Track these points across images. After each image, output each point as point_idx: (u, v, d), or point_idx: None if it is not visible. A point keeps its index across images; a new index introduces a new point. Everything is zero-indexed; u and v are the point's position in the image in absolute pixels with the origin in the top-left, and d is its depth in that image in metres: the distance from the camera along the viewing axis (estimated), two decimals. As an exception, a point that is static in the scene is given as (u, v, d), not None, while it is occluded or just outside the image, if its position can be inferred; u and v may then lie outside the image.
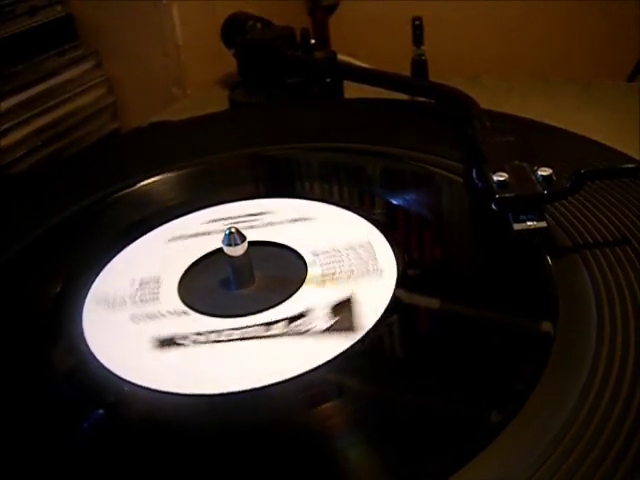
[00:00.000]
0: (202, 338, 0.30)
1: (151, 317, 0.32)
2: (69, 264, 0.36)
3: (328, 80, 0.57)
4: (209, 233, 0.37)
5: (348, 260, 0.34)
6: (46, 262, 0.37)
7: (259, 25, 0.62)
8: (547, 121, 0.44)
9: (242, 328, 0.30)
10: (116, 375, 0.28)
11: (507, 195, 0.33)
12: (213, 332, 0.30)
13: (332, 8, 0.79)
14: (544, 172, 0.33)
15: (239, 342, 0.29)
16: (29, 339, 0.32)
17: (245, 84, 0.62)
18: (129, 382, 0.28)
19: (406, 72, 0.56)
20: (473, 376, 0.26)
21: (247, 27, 0.62)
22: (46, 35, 0.61)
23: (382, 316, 0.30)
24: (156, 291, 0.33)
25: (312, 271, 0.33)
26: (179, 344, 0.30)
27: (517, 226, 0.32)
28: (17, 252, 0.38)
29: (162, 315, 0.32)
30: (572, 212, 0.34)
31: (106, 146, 0.60)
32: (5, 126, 0.56)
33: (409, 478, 0.23)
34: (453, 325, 0.30)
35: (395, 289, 0.31)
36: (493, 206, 0.33)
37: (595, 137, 0.41)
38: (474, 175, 0.37)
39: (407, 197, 0.39)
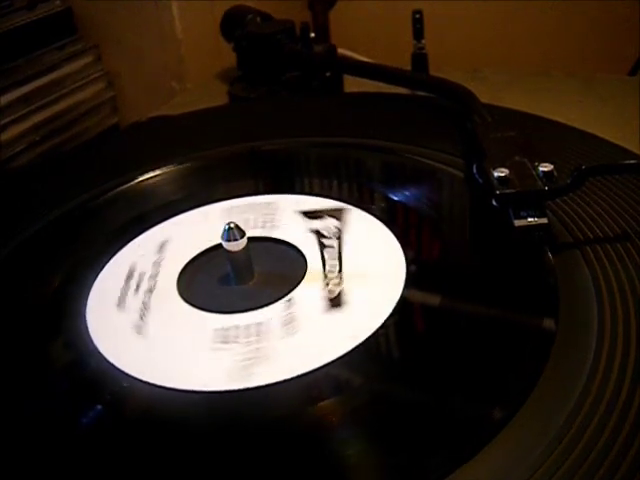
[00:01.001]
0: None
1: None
2: (69, 259, 0.36)
3: (328, 74, 0.57)
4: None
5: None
6: (46, 257, 0.37)
7: (258, 19, 0.62)
8: (548, 116, 0.44)
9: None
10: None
11: (508, 191, 0.32)
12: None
13: (332, 2, 0.78)
14: (545, 168, 0.33)
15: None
16: (29, 336, 0.32)
17: (245, 78, 0.62)
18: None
19: (406, 66, 0.56)
20: (473, 374, 0.26)
21: (247, 21, 0.62)
22: (45, 29, 0.60)
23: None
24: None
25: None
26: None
27: (518, 222, 0.32)
28: (16, 247, 0.38)
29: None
30: (573, 208, 0.34)
31: (105, 140, 0.60)
32: (4, 121, 0.56)
33: (409, 476, 0.23)
34: (453, 322, 0.29)
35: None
36: (493, 202, 0.33)
37: (596, 132, 0.41)
38: (474, 171, 0.36)
39: (408, 193, 0.39)
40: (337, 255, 0.34)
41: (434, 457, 0.23)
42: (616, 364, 0.25)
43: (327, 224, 0.36)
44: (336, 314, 0.30)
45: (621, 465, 0.21)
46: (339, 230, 0.36)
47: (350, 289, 0.32)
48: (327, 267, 0.33)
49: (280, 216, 0.38)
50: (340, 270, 0.33)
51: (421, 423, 0.25)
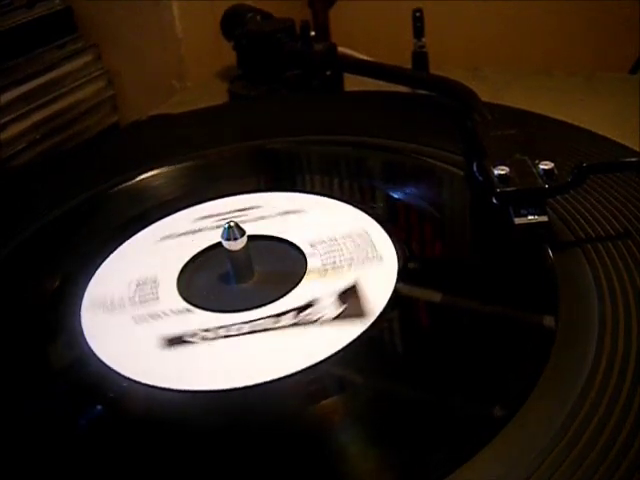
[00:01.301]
0: (211, 334, 0.30)
1: (154, 317, 0.31)
2: (66, 260, 0.36)
3: (328, 72, 0.57)
4: (200, 230, 0.37)
5: (347, 248, 0.34)
6: (43, 257, 0.37)
7: (259, 17, 0.62)
8: (549, 114, 0.44)
9: (251, 321, 0.30)
10: (128, 378, 0.28)
11: (508, 189, 0.32)
12: (221, 327, 0.30)
13: (332, 0, 0.78)
14: (545, 166, 0.33)
15: (249, 335, 0.29)
16: (26, 338, 0.31)
17: (245, 77, 0.62)
18: (143, 384, 0.27)
19: (407, 64, 0.56)
20: (473, 372, 0.26)
21: (247, 19, 0.62)
22: (45, 28, 0.60)
23: (390, 299, 0.30)
24: (155, 290, 0.33)
25: (312, 262, 0.33)
26: (188, 342, 0.29)
27: (518, 220, 0.32)
28: (15, 247, 0.38)
29: (165, 314, 0.31)
30: (574, 206, 0.34)
31: (106, 139, 0.60)
32: (4, 119, 0.56)
33: (409, 475, 0.23)
34: (453, 321, 0.29)
35: (397, 276, 0.31)
36: (494, 200, 0.33)
37: (597, 130, 0.40)
38: (475, 169, 0.36)
39: (405, 189, 0.39)
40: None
41: (434, 457, 0.23)
42: (617, 363, 0.25)
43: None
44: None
45: (621, 465, 0.21)
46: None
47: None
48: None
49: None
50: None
51: (421, 423, 0.25)
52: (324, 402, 0.26)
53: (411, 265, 0.32)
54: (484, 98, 0.44)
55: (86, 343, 0.30)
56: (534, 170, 0.33)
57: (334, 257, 0.33)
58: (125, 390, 0.28)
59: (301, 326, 0.29)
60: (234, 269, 0.33)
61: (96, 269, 0.35)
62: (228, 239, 0.32)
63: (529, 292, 0.30)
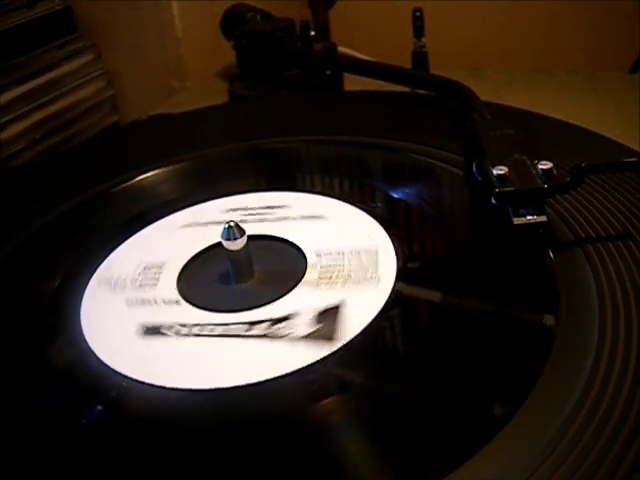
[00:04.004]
0: (185, 330, 0.30)
1: (145, 303, 0.32)
2: (69, 258, 0.36)
3: (328, 72, 0.57)
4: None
5: (349, 264, 0.33)
6: (46, 255, 0.37)
7: (259, 17, 0.62)
8: (548, 113, 0.44)
9: (225, 324, 0.30)
10: (101, 361, 0.29)
11: (507, 189, 0.32)
12: (197, 325, 0.30)
13: (332, 0, 0.78)
14: (544, 166, 0.33)
15: (218, 338, 0.29)
16: (28, 331, 0.32)
17: (245, 77, 0.62)
18: (111, 369, 0.28)
19: (407, 64, 0.56)
20: (473, 372, 0.26)
21: (247, 19, 0.62)
22: (45, 28, 0.60)
23: (365, 328, 0.28)
24: (157, 277, 0.33)
25: (310, 273, 0.33)
26: (162, 334, 0.30)
27: (517, 220, 0.32)
28: (17, 245, 0.38)
29: (156, 302, 0.32)
30: (574, 205, 0.34)
31: (105, 139, 0.60)
32: (4, 119, 0.56)
33: (409, 475, 0.23)
34: (454, 320, 0.29)
35: (384, 304, 0.30)
36: (493, 200, 0.33)
37: (597, 129, 0.40)
38: (474, 169, 0.36)
39: (407, 190, 0.39)
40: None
41: (433, 457, 0.23)
42: (617, 363, 0.25)
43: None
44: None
45: (621, 465, 0.21)
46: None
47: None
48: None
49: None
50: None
51: (421, 422, 0.24)
52: (321, 403, 0.26)
53: (411, 265, 0.32)
54: (484, 97, 0.44)
55: (79, 322, 0.31)
56: (533, 170, 0.33)
57: (333, 271, 0.32)
58: (96, 373, 0.28)
59: (269, 339, 0.29)
60: (233, 269, 0.33)
61: (96, 269, 0.35)
62: (228, 239, 0.32)
63: (529, 292, 0.30)
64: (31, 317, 0.32)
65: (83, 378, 0.28)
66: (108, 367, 0.28)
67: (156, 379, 0.27)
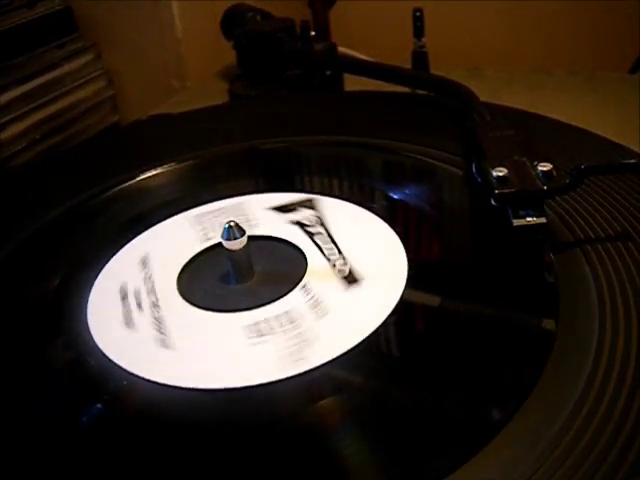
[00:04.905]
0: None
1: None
2: (69, 258, 0.36)
3: (328, 72, 0.57)
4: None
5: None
6: (46, 256, 0.37)
7: (259, 17, 0.62)
8: (548, 114, 0.44)
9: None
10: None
11: (506, 190, 0.32)
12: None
13: (332, 0, 0.78)
14: (544, 167, 0.33)
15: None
16: (29, 335, 0.32)
17: (245, 76, 0.62)
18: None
19: (406, 64, 0.56)
20: (473, 374, 0.26)
21: (247, 19, 0.62)
22: (45, 28, 0.60)
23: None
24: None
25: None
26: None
27: (516, 222, 0.32)
28: (17, 245, 0.38)
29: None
30: (574, 206, 0.34)
31: (106, 139, 0.60)
32: (4, 119, 0.56)
33: (408, 476, 0.23)
34: (453, 321, 0.29)
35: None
36: (492, 201, 0.33)
37: (597, 130, 0.40)
38: (473, 170, 0.36)
39: (407, 191, 0.39)
40: (329, 239, 0.34)
41: (433, 457, 0.23)
42: (617, 363, 0.25)
43: (304, 215, 0.37)
44: (357, 289, 0.31)
45: (621, 465, 0.21)
46: (319, 218, 0.36)
47: (359, 265, 0.32)
48: (325, 251, 0.33)
49: (253, 214, 0.38)
50: (339, 252, 0.33)
51: (421, 423, 0.25)
52: (321, 403, 0.26)
53: (410, 272, 0.32)
54: (483, 98, 0.44)
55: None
56: (533, 171, 0.33)
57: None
58: (100, 370, 0.29)
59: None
60: (233, 269, 0.33)
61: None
62: (228, 239, 0.32)
63: (529, 293, 0.30)
64: (32, 317, 0.32)
65: (87, 375, 0.29)
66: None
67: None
